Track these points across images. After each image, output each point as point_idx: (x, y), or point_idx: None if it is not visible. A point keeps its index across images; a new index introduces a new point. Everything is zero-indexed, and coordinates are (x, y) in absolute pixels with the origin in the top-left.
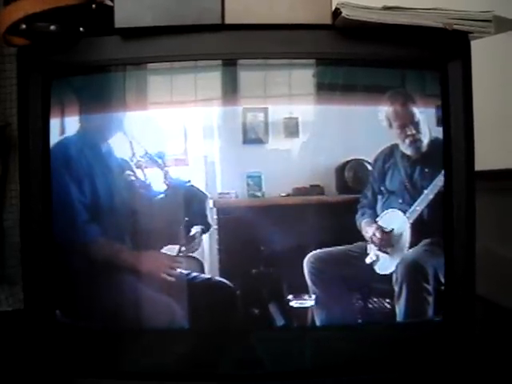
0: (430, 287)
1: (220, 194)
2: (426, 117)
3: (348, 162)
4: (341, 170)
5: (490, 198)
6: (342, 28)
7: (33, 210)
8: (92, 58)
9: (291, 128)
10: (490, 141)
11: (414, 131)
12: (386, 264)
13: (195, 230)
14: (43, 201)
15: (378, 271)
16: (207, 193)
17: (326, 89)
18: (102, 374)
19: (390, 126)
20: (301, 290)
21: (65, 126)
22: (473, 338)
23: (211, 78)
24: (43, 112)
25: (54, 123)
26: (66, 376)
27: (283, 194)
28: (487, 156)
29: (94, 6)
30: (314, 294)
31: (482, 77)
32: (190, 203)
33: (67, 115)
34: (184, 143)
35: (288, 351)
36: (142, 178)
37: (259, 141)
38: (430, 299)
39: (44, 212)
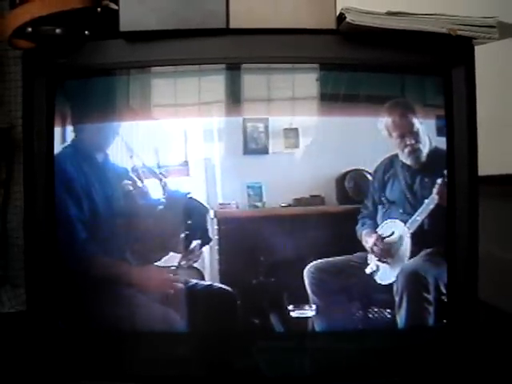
0: (430, 297)
1: (221, 204)
2: (426, 126)
3: (348, 172)
4: (341, 180)
5: (491, 203)
6: (347, 33)
7: (37, 212)
8: (97, 61)
9: (291, 138)
10: (492, 146)
11: (413, 141)
12: (386, 274)
13: (195, 243)
14: (47, 203)
15: (378, 281)
16: (208, 205)
17: (328, 98)
18: (104, 377)
19: (390, 135)
20: (301, 300)
21: (69, 130)
22: (476, 343)
23: (214, 84)
24: (48, 114)
25: (59, 126)
26: (68, 378)
27: (284, 204)
28: (489, 161)
29: (99, 9)
30: (315, 304)
31: (483, 82)
32: (190, 216)
33: (71, 118)
34: (184, 154)
35: (288, 361)
36: (142, 190)
37: (259, 151)
38: (431, 309)
39: (47, 214)
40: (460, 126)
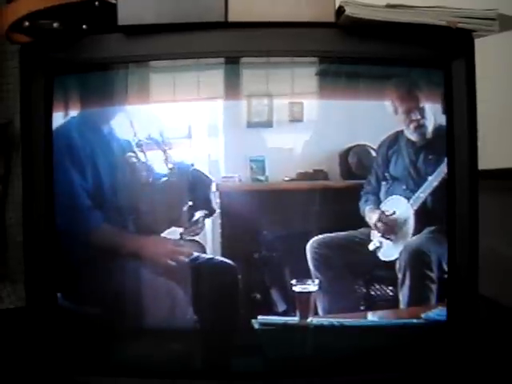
0: (433, 275)
1: (223, 177)
2: (431, 103)
3: (352, 147)
4: (345, 155)
5: (495, 198)
6: (346, 26)
7: (35, 207)
8: (95, 55)
9: (295, 112)
10: (496, 139)
11: (419, 116)
12: (389, 251)
13: (199, 214)
14: (46, 198)
15: (381, 258)
16: (212, 177)
17: (332, 76)
18: (103, 370)
19: (396, 111)
20: (304, 274)
21: (67, 123)
22: (477, 337)
23: (216, 72)
24: (46, 109)
25: (57, 120)
26: (67, 373)
27: (287, 179)
28: (493, 155)
29: (96, 3)
30: (317, 279)
31: (487, 75)
32: (194, 187)
33: (70, 112)
34: (188, 127)
35: (288, 339)
36: (146, 162)
37: (263, 124)
38: (434, 287)
39: (47, 209)
40: (460, 118)
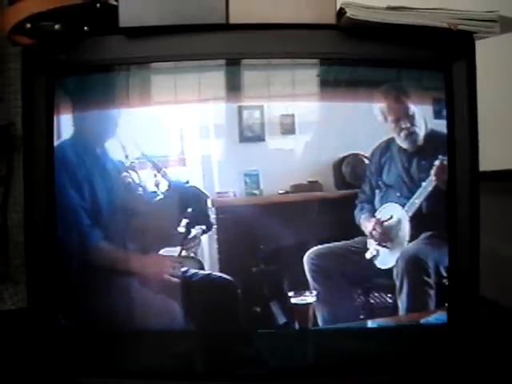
0: (431, 280)
1: (218, 193)
2: (421, 109)
3: (345, 157)
4: (338, 165)
5: (495, 199)
6: (347, 28)
7: (37, 208)
8: (96, 57)
9: (287, 125)
10: (497, 141)
11: (408, 124)
12: (386, 258)
13: (196, 230)
14: (47, 199)
15: (378, 266)
16: (207, 192)
17: (323, 86)
18: (105, 373)
19: (386, 119)
20: (302, 286)
21: (68, 125)
22: (478, 338)
23: (213, 78)
24: (47, 111)
25: (58, 122)
26: (69, 375)
27: (281, 191)
28: (493, 156)
29: (98, 5)
30: (315, 290)
31: (488, 77)
32: (190, 203)
33: (71, 114)
34: (181, 143)
35: (289, 349)
36: (141, 181)
37: (256, 138)
38: (432, 292)
39: (48, 210)
40: (461, 120)
